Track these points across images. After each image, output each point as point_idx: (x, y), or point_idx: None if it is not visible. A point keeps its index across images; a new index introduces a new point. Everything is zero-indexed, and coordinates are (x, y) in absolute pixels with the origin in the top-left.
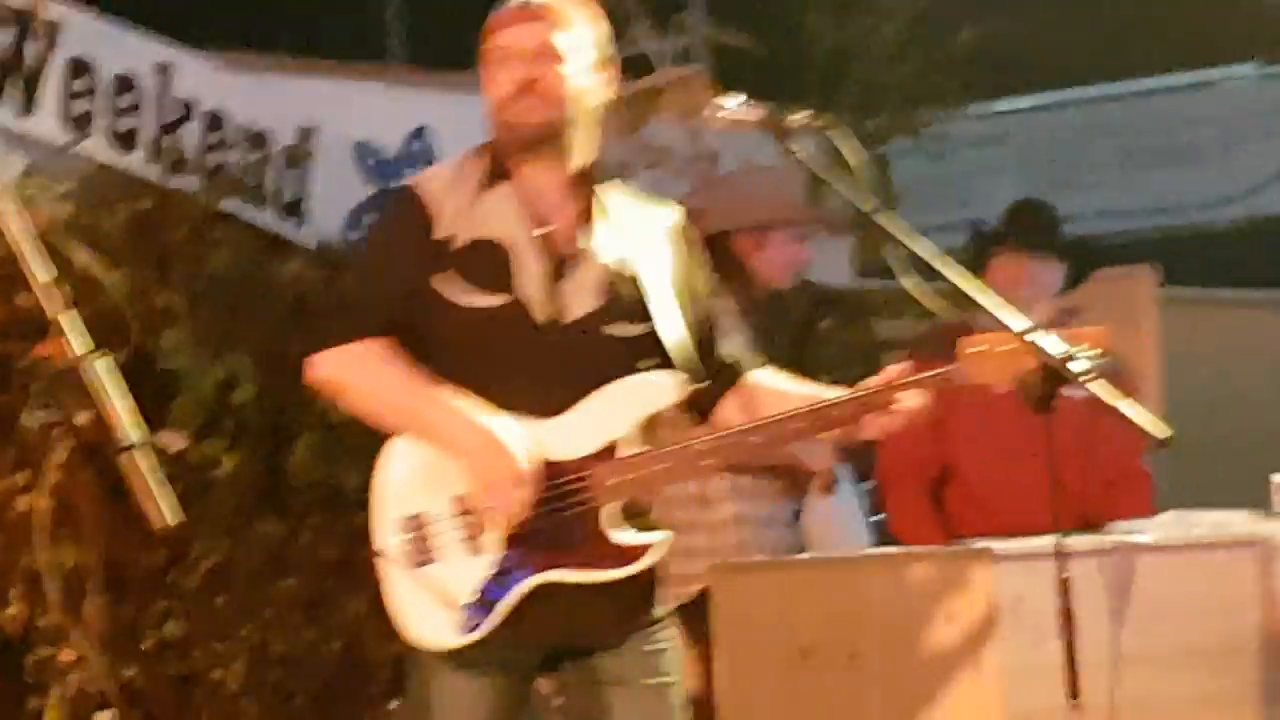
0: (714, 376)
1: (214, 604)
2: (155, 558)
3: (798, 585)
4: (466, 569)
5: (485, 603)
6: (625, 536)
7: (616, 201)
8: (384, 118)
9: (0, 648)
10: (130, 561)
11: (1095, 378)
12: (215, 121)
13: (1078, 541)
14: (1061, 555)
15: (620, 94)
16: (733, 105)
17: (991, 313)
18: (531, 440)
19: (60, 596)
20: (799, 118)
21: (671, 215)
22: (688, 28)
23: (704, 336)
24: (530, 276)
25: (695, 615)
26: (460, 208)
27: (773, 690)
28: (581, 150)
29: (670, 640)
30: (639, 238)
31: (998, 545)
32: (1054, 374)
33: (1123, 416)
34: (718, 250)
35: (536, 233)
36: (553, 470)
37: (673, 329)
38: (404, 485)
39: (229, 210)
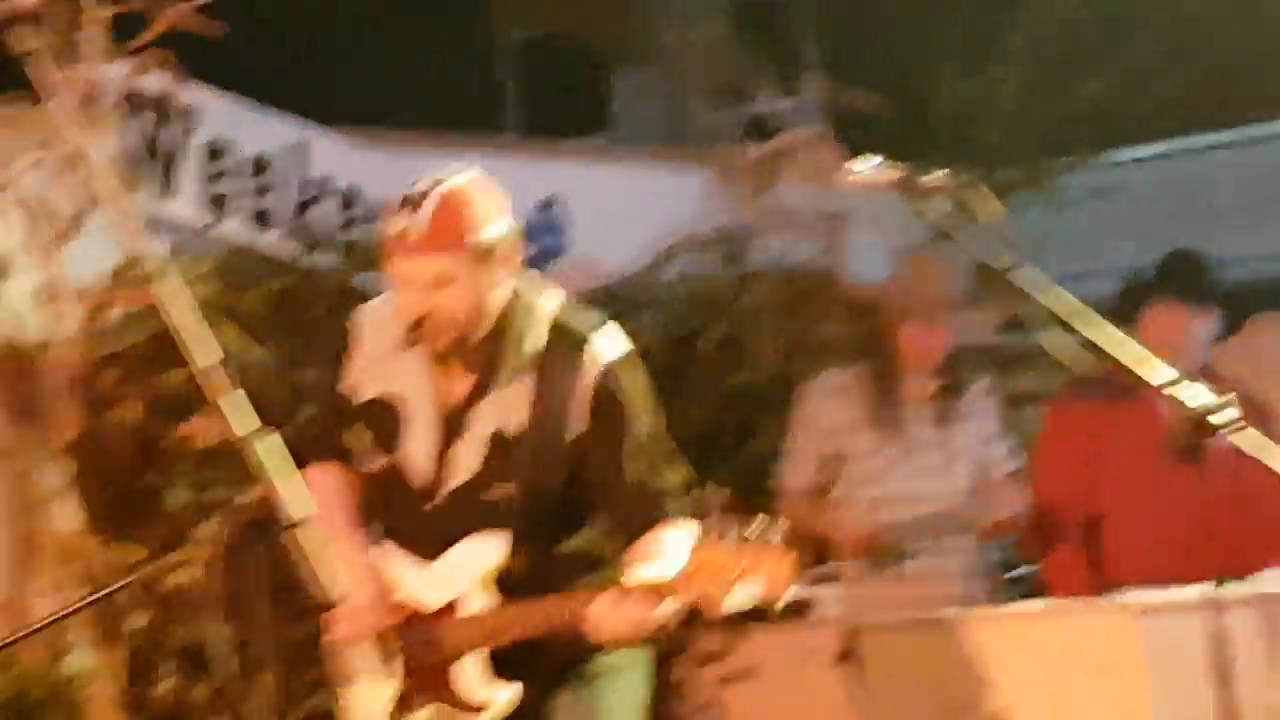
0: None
1: None
2: (303, 630)
3: (946, 642)
4: (378, 691)
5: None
6: (478, 690)
7: (536, 344)
8: (513, 188)
9: None
10: (279, 634)
11: (1240, 428)
12: (349, 198)
13: (1231, 591)
14: (1215, 605)
15: (748, 157)
16: (866, 167)
17: (1129, 366)
18: (409, 585)
19: (212, 670)
20: (933, 178)
21: (596, 363)
22: (810, 89)
23: (573, 492)
24: (420, 444)
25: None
26: (379, 356)
27: None
28: (487, 332)
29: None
30: (546, 396)
31: (1149, 596)
32: (1201, 424)
33: (1271, 465)
34: (869, 321)
35: (437, 404)
36: (416, 616)
37: (541, 489)
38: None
39: (365, 285)
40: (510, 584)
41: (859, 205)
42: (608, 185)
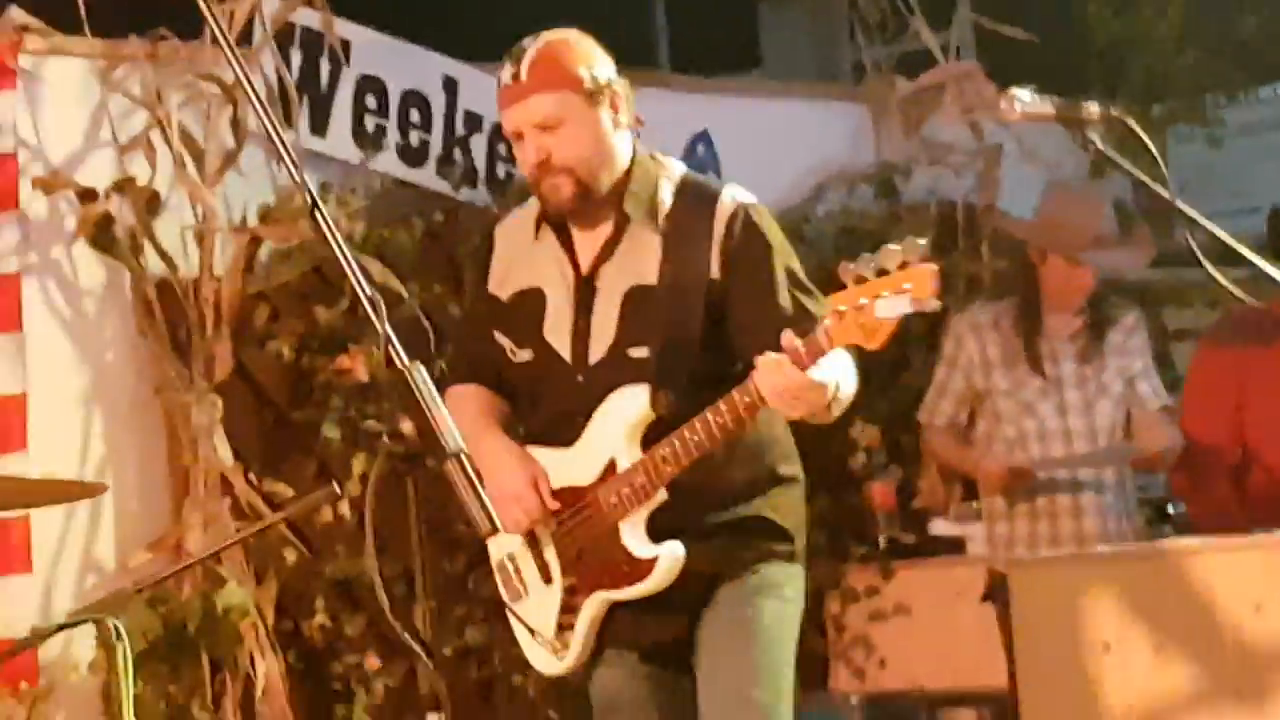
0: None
1: None
2: (455, 565)
3: (1098, 578)
4: (545, 599)
5: (563, 631)
6: (642, 551)
7: (664, 198)
8: (667, 125)
9: (307, 657)
10: (432, 569)
11: None
12: (501, 133)
13: None
14: None
15: (900, 92)
16: (1025, 99)
17: None
18: (552, 468)
19: (364, 605)
20: (1094, 109)
21: (728, 205)
22: (963, 22)
23: (719, 341)
24: (560, 321)
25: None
26: (514, 258)
27: (1074, 684)
28: (611, 184)
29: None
30: (677, 246)
31: None
32: None
33: None
34: (1016, 255)
35: (570, 277)
36: (571, 496)
37: (682, 341)
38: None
39: None
40: (657, 437)
41: (1012, 139)
42: (759, 121)
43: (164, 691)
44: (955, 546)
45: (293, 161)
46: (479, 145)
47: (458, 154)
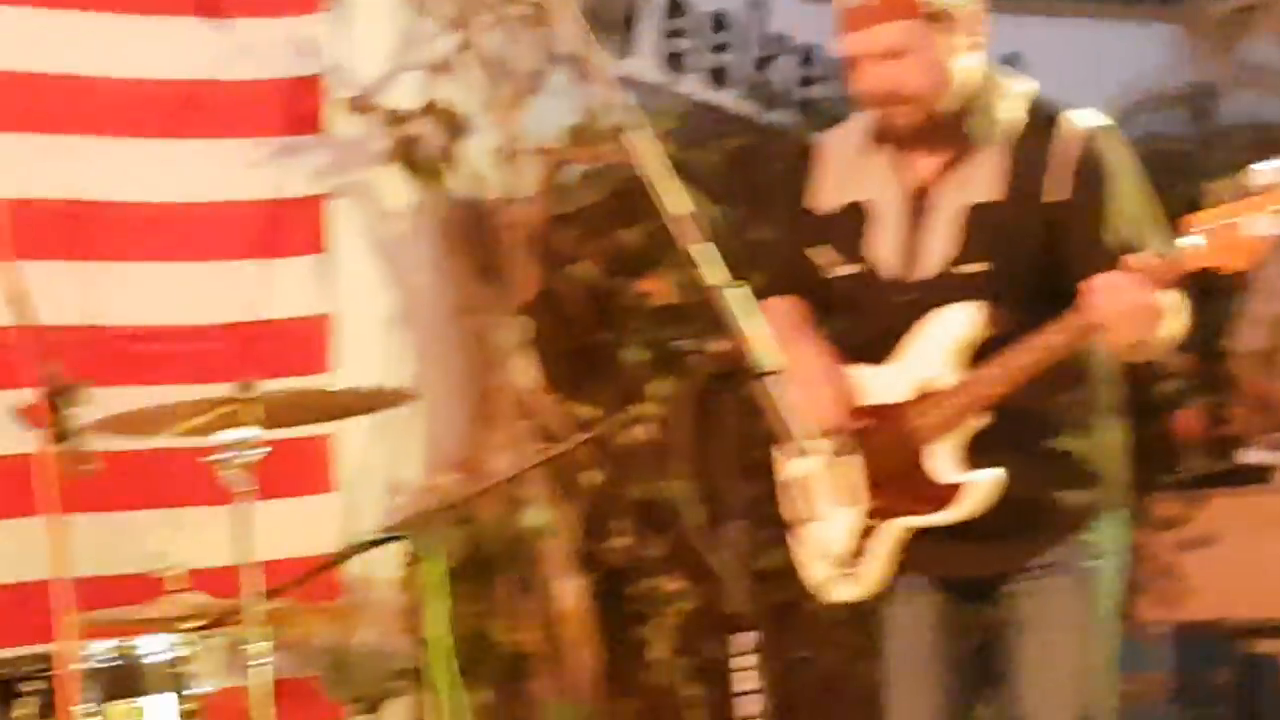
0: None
1: None
2: (757, 486)
3: None
4: (841, 521)
5: (858, 555)
6: (952, 476)
7: (1010, 117)
8: None
9: (607, 578)
10: (735, 491)
11: None
12: (807, 56)
13: None
14: None
15: (1215, 11)
16: None
17: None
18: (866, 384)
19: (666, 526)
20: None
21: (1079, 127)
22: None
23: (1057, 263)
24: (889, 237)
25: None
26: (842, 171)
27: None
28: (955, 107)
29: (1063, 588)
30: (1022, 165)
31: None
32: None
33: None
34: None
35: (904, 192)
36: (881, 414)
37: (1019, 260)
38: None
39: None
40: (981, 359)
41: None
42: (1069, 42)
43: (465, 611)
44: (1264, 475)
45: (603, 82)
46: (787, 66)
47: (763, 76)
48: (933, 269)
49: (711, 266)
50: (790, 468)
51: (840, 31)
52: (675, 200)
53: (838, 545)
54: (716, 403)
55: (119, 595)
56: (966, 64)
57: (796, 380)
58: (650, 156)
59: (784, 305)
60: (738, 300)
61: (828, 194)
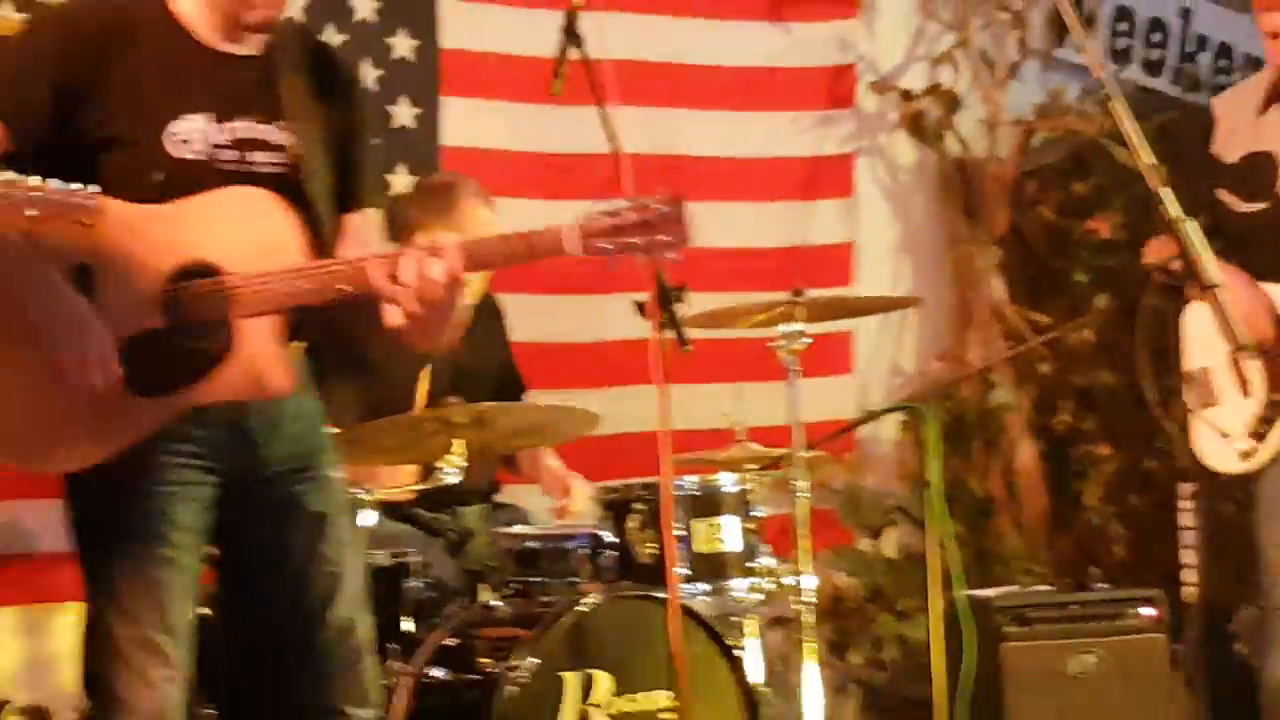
0: None
1: None
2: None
3: None
4: (1241, 407)
5: (1256, 435)
6: None
7: None
8: None
9: (1053, 444)
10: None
11: None
12: (1223, 53)
13: None
14: None
15: None
16: None
17: None
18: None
19: (1100, 407)
20: None
21: None
22: None
23: None
24: None
25: None
26: (1241, 123)
27: None
28: None
29: None
30: None
31: None
32: None
33: None
34: None
35: None
36: None
37: None
38: (1191, 346)
39: None
40: None
41: None
42: None
43: (947, 465)
44: None
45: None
46: (1205, 60)
47: (1188, 67)
48: None
49: (1171, 204)
50: (1195, 358)
51: (1259, 11)
52: (1144, 152)
53: (1235, 428)
54: (1141, 313)
55: (702, 443)
56: None
57: (1231, 294)
58: (1127, 120)
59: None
60: (1192, 229)
61: (1228, 145)
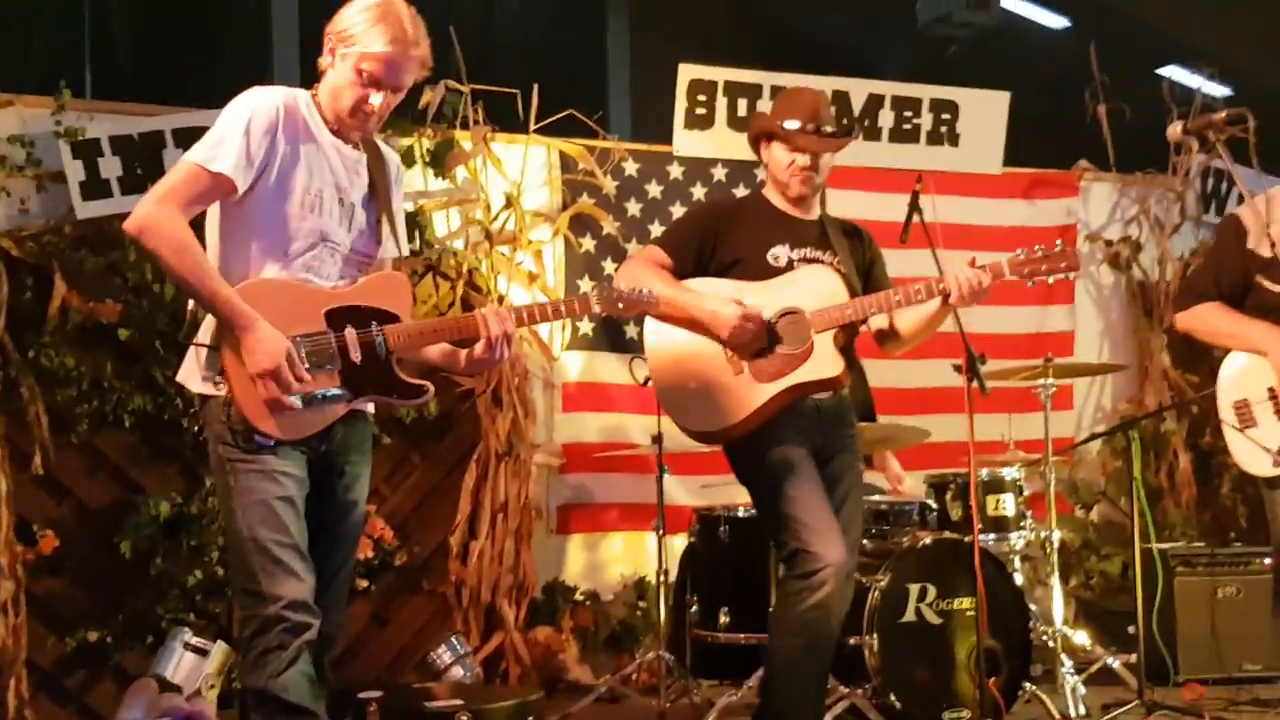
0: None
1: None
2: None
3: None
4: (1275, 430)
5: None
6: None
7: None
8: None
9: (1200, 457)
10: None
11: None
12: None
13: None
14: None
15: None
16: None
17: None
18: None
19: None
20: None
21: None
22: None
23: None
24: None
25: None
26: (1264, 226)
27: None
28: None
29: None
30: None
31: None
32: None
33: None
34: None
35: None
36: None
37: None
38: (1234, 379)
39: None
40: None
41: None
42: None
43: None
44: None
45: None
46: None
47: None
48: None
49: None
50: (1237, 394)
51: None
52: None
53: (1270, 442)
54: None
55: (989, 450)
56: None
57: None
58: None
59: (1204, 309)
60: None
61: (1261, 244)
